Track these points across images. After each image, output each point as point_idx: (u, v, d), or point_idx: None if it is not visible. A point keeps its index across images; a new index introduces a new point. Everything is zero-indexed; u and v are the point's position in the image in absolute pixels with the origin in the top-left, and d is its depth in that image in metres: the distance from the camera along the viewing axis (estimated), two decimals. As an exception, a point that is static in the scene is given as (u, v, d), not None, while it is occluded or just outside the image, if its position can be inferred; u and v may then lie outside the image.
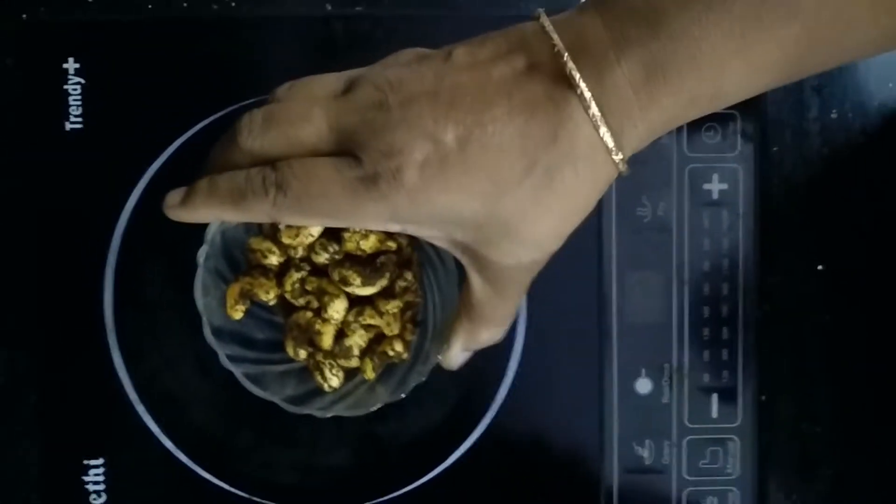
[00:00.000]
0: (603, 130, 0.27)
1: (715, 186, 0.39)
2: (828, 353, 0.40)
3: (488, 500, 0.39)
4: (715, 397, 0.39)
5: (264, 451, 0.39)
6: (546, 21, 0.28)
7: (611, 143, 0.27)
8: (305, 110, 0.28)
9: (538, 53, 0.27)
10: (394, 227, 0.29)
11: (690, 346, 0.39)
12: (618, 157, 0.27)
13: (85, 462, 0.38)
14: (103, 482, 0.38)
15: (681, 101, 0.27)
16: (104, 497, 0.38)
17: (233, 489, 0.38)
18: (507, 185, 0.27)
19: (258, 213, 0.28)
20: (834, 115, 0.40)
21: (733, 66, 0.27)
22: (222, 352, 0.34)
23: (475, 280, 0.30)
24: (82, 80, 0.38)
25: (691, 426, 0.39)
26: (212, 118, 0.38)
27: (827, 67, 0.29)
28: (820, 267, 0.40)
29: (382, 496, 0.39)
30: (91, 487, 0.38)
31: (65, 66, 0.37)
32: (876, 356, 0.40)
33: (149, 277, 0.38)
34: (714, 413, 0.39)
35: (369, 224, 0.28)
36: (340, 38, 0.38)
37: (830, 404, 0.40)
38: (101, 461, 0.38)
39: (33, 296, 0.38)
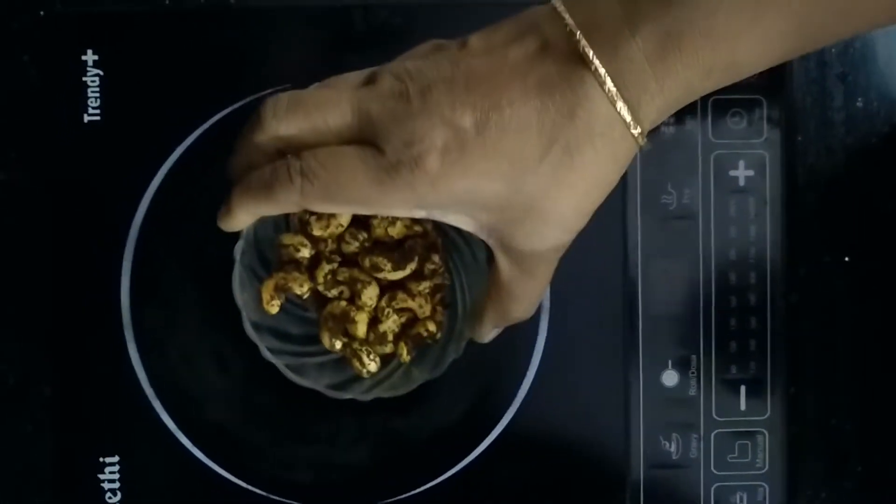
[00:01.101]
0: (619, 105, 0.27)
1: (741, 173, 0.39)
2: (858, 345, 0.39)
3: (512, 495, 0.38)
4: (743, 390, 0.39)
5: (282, 448, 0.38)
6: (558, 2, 0.28)
7: (628, 118, 0.27)
8: (330, 96, 0.29)
9: (551, 34, 0.28)
10: (419, 214, 0.29)
11: (717, 337, 0.38)
12: (636, 132, 0.28)
13: (100, 459, 0.37)
14: (118, 479, 0.37)
15: (696, 72, 0.27)
16: (119, 495, 0.37)
17: (250, 487, 0.38)
18: (527, 165, 0.28)
19: (287, 202, 0.29)
20: (859, 104, 0.39)
21: (747, 36, 0.27)
22: (263, 345, 0.34)
23: (502, 261, 0.30)
24: (101, 73, 0.37)
25: (719, 419, 0.39)
26: (229, 109, 0.38)
27: (845, 37, 0.29)
28: (847, 258, 0.39)
29: (402, 494, 0.38)
30: (106, 486, 0.37)
31: (83, 58, 0.37)
32: (906, 348, 0.39)
33: (167, 271, 0.38)
34: (742, 406, 0.39)
35: (396, 211, 0.29)
36: (359, 28, 0.38)
37: (861, 397, 0.39)
38: (116, 458, 0.37)
39: (49, 289, 0.37)
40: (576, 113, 0.27)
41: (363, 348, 0.35)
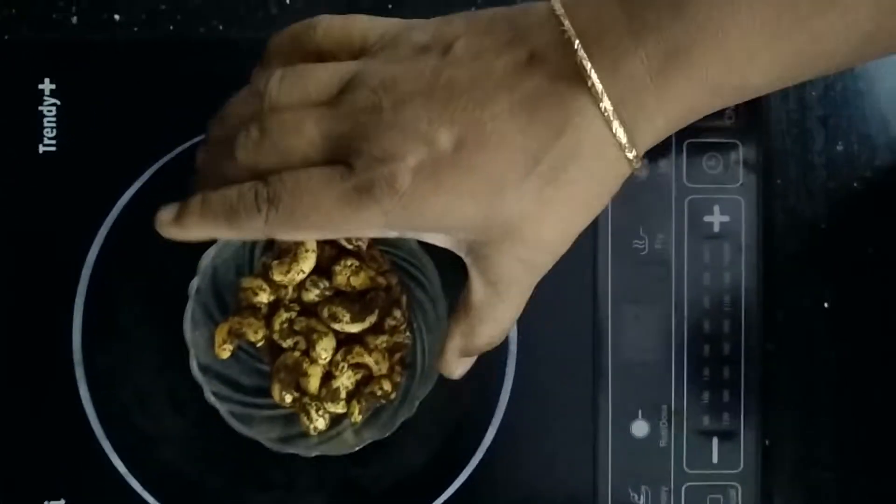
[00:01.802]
0: (615, 125, 0.25)
1: (716, 218, 0.38)
2: (835, 397, 0.38)
3: (474, 550, 0.37)
4: (715, 441, 0.37)
5: (238, 495, 0.37)
6: (557, 4, 0.26)
7: (623, 139, 0.25)
8: (298, 120, 0.27)
9: (545, 41, 0.25)
10: (391, 234, 0.27)
11: (690, 387, 0.37)
12: (631, 155, 0.26)
13: (45, 503, 0.36)
14: (65, 524, 0.36)
15: (703, 92, 0.25)
16: (65, 541, 0.36)
17: (204, 533, 0.36)
18: (507, 185, 0.26)
19: (251, 230, 0.27)
20: (840, 148, 0.39)
21: (763, 57, 0.25)
22: (208, 388, 0.33)
23: (477, 281, 0.28)
24: (58, 102, 0.36)
25: (690, 472, 0.37)
26: (190, 143, 0.36)
27: (864, 62, 0.27)
28: (826, 304, 0.38)
29: (363, 543, 0.37)
30: (52, 530, 0.36)
31: (40, 86, 0.36)
32: (885, 399, 0.38)
33: (121, 307, 0.36)
34: (714, 458, 0.37)
35: (364, 232, 0.27)
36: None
37: (837, 450, 0.38)
38: (62, 502, 0.36)
39: (-2, 325, 0.36)
40: (564, 131, 0.25)
41: (313, 404, 0.34)
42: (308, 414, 0.34)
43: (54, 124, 0.36)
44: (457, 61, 0.26)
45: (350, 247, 0.34)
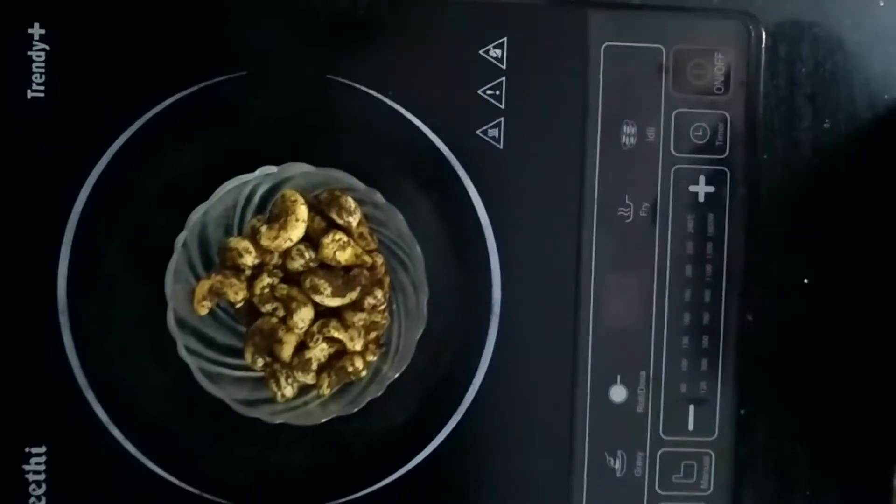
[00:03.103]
0: None
1: (701, 189, 0.38)
2: (811, 369, 0.39)
3: (451, 506, 0.38)
4: (692, 409, 0.38)
5: (219, 446, 0.37)
6: None
7: None
8: None
9: None
10: None
11: (668, 355, 0.38)
12: None
13: (26, 450, 0.36)
14: (45, 472, 0.36)
15: None
16: (44, 487, 0.36)
17: (184, 485, 0.37)
18: None
19: None
20: (827, 125, 0.39)
21: None
22: (181, 342, 0.33)
23: None
24: (47, 47, 0.36)
25: (666, 438, 0.38)
26: (183, 93, 0.36)
27: None
28: (805, 280, 0.39)
29: (342, 497, 0.37)
30: (31, 477, 0.36)
31: (30, 31, 0.36)
32: (860, 374, 0.39)
33: (108, 257, 0.36)
34: (690, 425, 0.38)
35: None
36: (321, 16, 0.37)
37: (811, 422, 0.39)
38: (43, 449, 0.36)
39: (-18, 270, 0.36)
40: None
41: (283, 371, 0.34)
42: (277, 380, 0.34)
43: (43, 70, 0.36)
44: None
45: (341, 222, 0.34)
